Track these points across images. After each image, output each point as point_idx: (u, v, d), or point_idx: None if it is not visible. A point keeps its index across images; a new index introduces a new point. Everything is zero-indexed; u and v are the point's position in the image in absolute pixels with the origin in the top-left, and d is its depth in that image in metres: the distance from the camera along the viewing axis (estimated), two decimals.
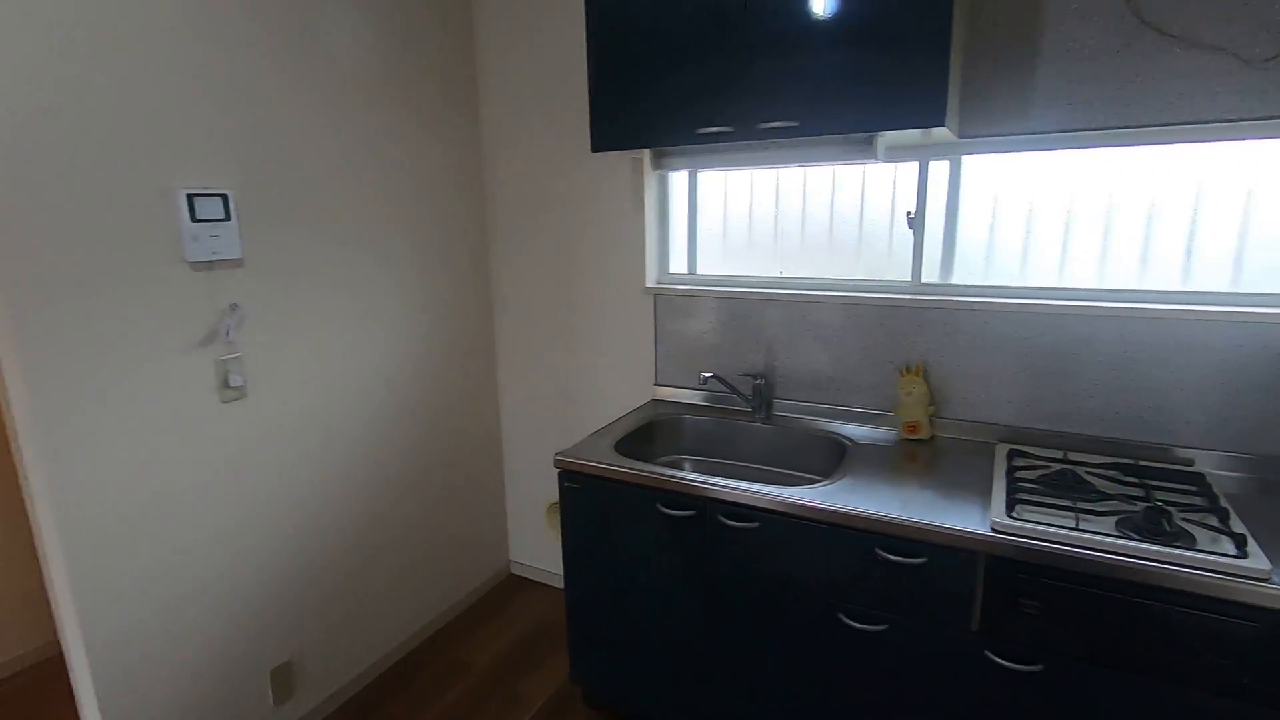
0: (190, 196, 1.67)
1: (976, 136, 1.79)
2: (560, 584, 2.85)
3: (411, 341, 2.37)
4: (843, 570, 1.58)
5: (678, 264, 2.38)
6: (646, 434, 2.17)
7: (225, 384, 1.80)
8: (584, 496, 1.91)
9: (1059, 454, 1.76)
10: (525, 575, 2.96)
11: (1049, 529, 1.37)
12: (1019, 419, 1.88)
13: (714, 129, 1.75)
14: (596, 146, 1.95)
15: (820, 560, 1.60)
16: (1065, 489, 1.54)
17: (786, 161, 1.78)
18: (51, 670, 2.43)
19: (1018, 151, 1.80)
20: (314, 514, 2.08)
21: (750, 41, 1.67)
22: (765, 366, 2.21)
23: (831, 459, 2.00)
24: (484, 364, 2.72)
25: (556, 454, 1.92)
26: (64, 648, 1.71)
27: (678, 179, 2.31)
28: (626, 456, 1.93)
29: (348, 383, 2.15)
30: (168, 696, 1.74)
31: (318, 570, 2.11)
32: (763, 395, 2.16)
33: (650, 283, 2.37)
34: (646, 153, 2.05)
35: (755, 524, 1.66)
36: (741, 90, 1.70)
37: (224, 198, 1.74)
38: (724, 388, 2.26)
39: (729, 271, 2.30)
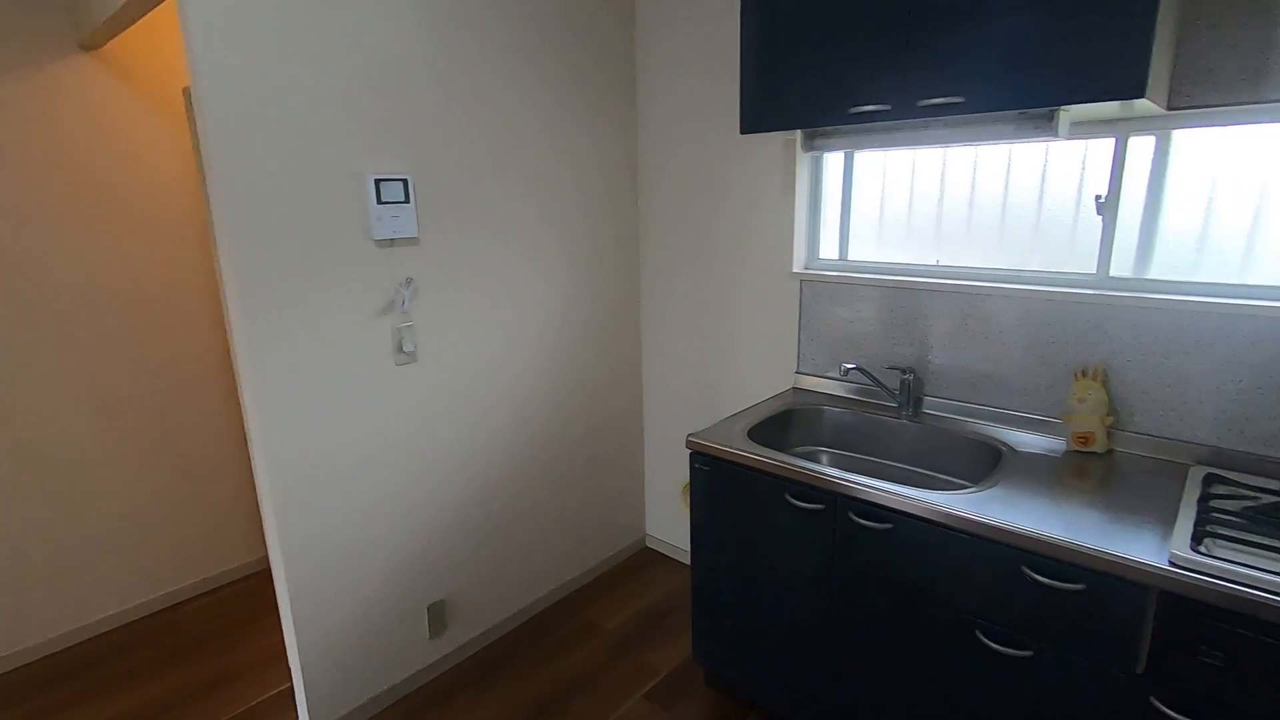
0: (377, 181, 1.88)
1: (1192, 108, 1.53)
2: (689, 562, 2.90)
3: (562, 318, 2.50)
4: (984, 586, 1.46)
5: (828, 249, 2.29)
6: (783, 422, 2.14)
7: (399, 349, 2.02)
8: (713, 479, 1.92)
9: (1274, 484, 1.49)
10: (659, 550, 3.04)
11: (1247, 571, 1.17)
12: (1223, 439, 1.61)
13: (869, 107, 1.65)
14: (746, 128, 1.92)
15: (959, 572, 1.49)
16: (1277, 527, 1.31)
17: (951, 141, 1.64)
18: (268, 576, 2.91)
19: (1248, 124, 1.52)
20: (472, 469, 2.29)
21: (910, 10, 1.55)
22: (916, 361, 2.07)
23: (983, 465, 1.84)
24: (629, 341, 2.80)
25: (689, 435, 1.95)
26: (271, 555, 2.03)
27: (832, 160, 2.22)
28: (759, 443, 1.92)
29: (503, 353, 2.32)
30: (343, 612, 2.01)
31: (473, 521, 2.32)
32: (911, 391, 2.03)
33: (798, 268, 2.30)
34: (798, 134, 1.98)
35: (889, 525, 1.58)
36: (900, 64, 1.59)
37: (404, 182, 1.94)
38: (868, 380, 2.15)
39: (883, 258, 2.18)
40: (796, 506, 1.74)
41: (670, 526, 2.98)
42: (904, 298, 2.06)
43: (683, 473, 2.86)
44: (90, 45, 2.30)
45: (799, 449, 2.16)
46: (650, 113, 2.59)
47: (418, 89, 1.96)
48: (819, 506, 1.70)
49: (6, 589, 2.35)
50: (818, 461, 2.09)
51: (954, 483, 1.90)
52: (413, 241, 2.01)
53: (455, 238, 2.12)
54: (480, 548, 2.37)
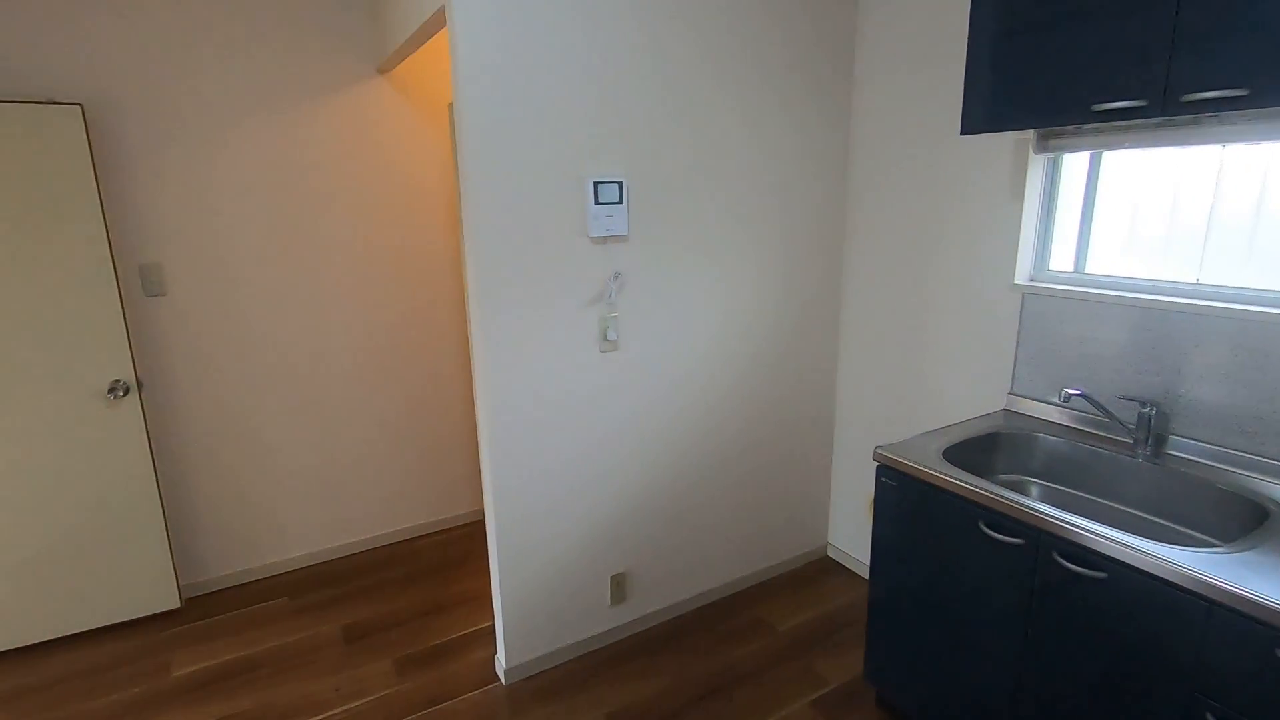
0: (596, 184, 2.07)
1: None
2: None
3: (760, 316, 2.54)
4: (1223, 663, 1.25)
5: (1060, 260, 2.06)
6: (987, 445, 1.98)
7: (604, 337, 2.21)
8: (900, 496, 1.84)
9: None
10: (840, 560, 2.96)
11: None
12: None
13: (1119, 104, 1.47)
14: (968, 128, 1.80)
15: (1191, 642, 1.29)
16: None
17: (1226, 139, 1.39)
18: (484, 526, 3.33)
19: None
20: (662, 454, 2.43)
21: None
22: (1163, 393, 1.80)
23: (1238, 522, 1.55)
24: (826, 344, 2.75)
25: (877, 447, 1.89)
26: (485, 514, 2.34)
27: (1074, 161, 1.98)
28: (955, 465, 1.80)
29: (700, 347, 2.42)
30: (539, 567, 2.26)
31: (659, 502, 2.46)
32: (1152, 427, 1.76)
33: (1021, 279, 2.10)
34: (1032, 133, 1.81)
35: (1103, 574, 1.41)
36: (1160, 52, 1.39)
37: (619, 184, 2.11)
38: (1096, 410, 1.90)
39: (1128, 273, 1.91)
40: (992, 538, 1.62)
41: (853, 538, 2.89)
42: (1154, 320, 1.80)
43: (871, 484, 2.75)
44: (384, 69, 2.79)
45: (1003, 476, 1.99)
46: (866, 110, 2.51)
47: (634, 95, 2.11)
48: (1017, 541, 1.56)
49: (294, 502, 2.97)
50: (1024, 493, 1.90)
51: (1195, 538, 1.63)
52: (623, 239, 2.18)
53: (661, 235, 2.25)
54: (663, 528, 2.51)
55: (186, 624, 2.64)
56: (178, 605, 2.69)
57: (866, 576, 2.83)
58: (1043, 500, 1.57)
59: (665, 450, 2.44)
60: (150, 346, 2.60)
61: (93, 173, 2.29)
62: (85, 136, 2.26)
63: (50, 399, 2.36)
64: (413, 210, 2.99)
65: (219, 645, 2.51)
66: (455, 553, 3.12)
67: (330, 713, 2.16)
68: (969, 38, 1.75)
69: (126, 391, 2.45)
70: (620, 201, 2.12)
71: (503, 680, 2.28)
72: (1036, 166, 2.01)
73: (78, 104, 2.25)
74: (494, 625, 2.55)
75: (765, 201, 2.45)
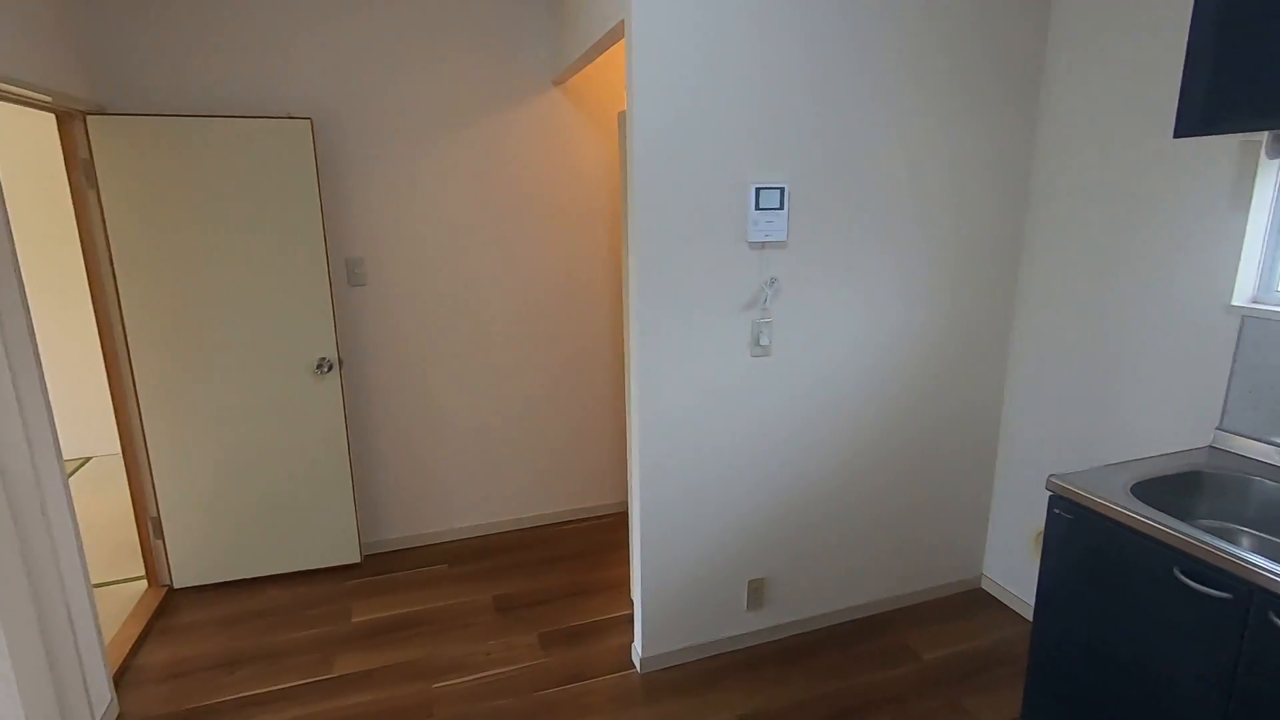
0: (758, 190, 2.08)
1: None
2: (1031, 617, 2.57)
3: (920, 329, 2.43)
4: None
5: None
6: (1187, 484, 1.76)
7: (756, 342, 2.22)
8: (1076, 531, 1.69)
9: None
10: (995, 594, 2.76)
11: None
12: None
13: None
14: (1184, 129, 1.61)
15: None
16: None
17: None
18: (625, 519, 3.46)
19: None
20: (808, 463, 2.39)
21: None
22: None
23: None
24: (993, 362, 2.58)
25: (1051, 476, 1.75)
26: (629, 505, 2.43)
27: None
28: (1146, 502, 1.63)
29: (853, 357, 2.36)
30: (679, 564, 2.31)
31: (802, 512, 2.43)
32: None
33: (1240, 300, 1.85)
34: (1264, 136, 1.59)
35: None
36: None
37: (781, 190, 2.11)
38: None
39: None
40: (1191, 588, 1.45)
41: (1013, 572, 2.67)
42: None
43: (1037, 518, 2.53)
44: (559, 81, 2.98)
45: (1206, 521, 1.76)
46: (1055, 114, 2.32)
47: (797, 104, 2.10)
48: (1224, 595, 1.39)
49: (458, 479, 3.25)
50: (1233, 542, 1.68)
51: None
52: (781, 245, 2.18)
53: (818, 243, 2.22)
54: (804, 539, 2.47)
55: (364, 577, 2.98)
56: (358, 560, 3.04)
57: (1025, 614, 2.62)
58: (1256, 553, 1.38)
59: (811, 460, 2.40)
60: (350, 330, 2.95)
61: (316, 177, 2.65)
62: (313, 146, 2.62)
63: (272, 371, 2.76)
64: (578, 213, 3.16)
65: (390, 599, 2.81)
66: (597, 541, 3.26)
67: (482, 674, 2.35)
68: (1191, 26, 1.58)
69: (330, 368, 2.81)
70: (781, 207, 2.12)
71: (638, 668, 2.35)
72: (1268, 173, 1.77)
73: (308, 118, 2.62)
74: (632, 615, 2.64)
75: (933, 209, 2.34)
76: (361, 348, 2.98)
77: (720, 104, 2.01)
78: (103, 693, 2.14)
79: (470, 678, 2.33)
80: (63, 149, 2.49)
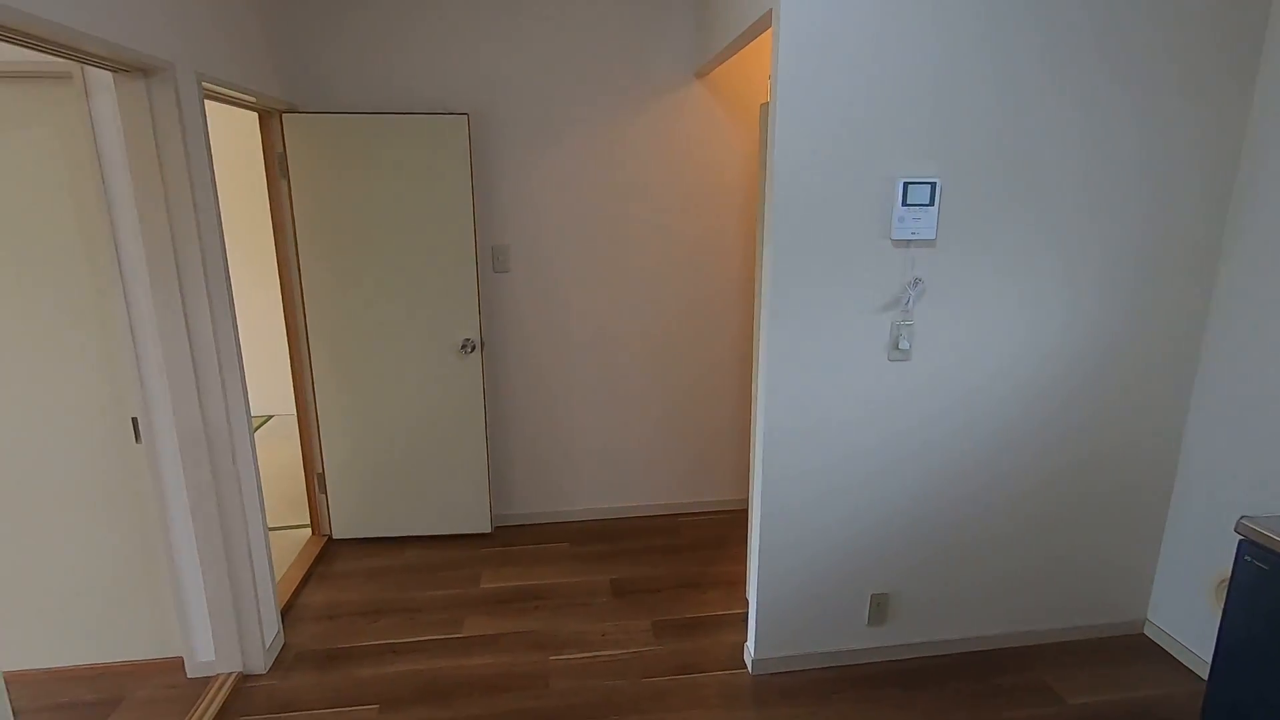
0: (906, 184, 1.97)
1: None
2: (1207, 675, 2.25)
3: (1089, 340, 2.19)
4: None
5: None
6: None
7: (895, 345, 2.10)
8: (1271, 582, 1.46)
9: None
10: (1160, 643, 2.44)
11: None
12: None
13: None
14: None
15: None
16: None
17: None
18: (744, 515, 3.42)
19: None
20: (944, 476, 2.24)
21: None
22: None
23: None
24: (1176, 383, 2.27)
25: (1243, 518, 1.52)
26: (750, 504, 2.40)
27: None
28: None
29: (1003, 366, 2.18)
30: (798, 569, 2.25)
31: (934, 528, 2.29)
32: None
33: None
34: None
35: None
36: None
37: (932, 185, 1.98)
38: None
39: None
40: None
41: (1185, 621, 2.36)
42: None
43: (1219, 562, 2.21)
44: (702, 73, 2.97)
45: None
46: (1276, 96, 1.99)
47: (958, 91, 1.94)
48: None
49: (582, 461, 3.36)
50: None
51: None
52: (929, 243, 2.04)
53: (973, 242, 2.06)
54: (936, 557, 2.32)
55: (493, 547, 3.16)
56: (488, 530, 3.24)
57: (1199, 671, 2.30)
58: None
59: (948, 474, 2.25)
60: (492, 313, 3.13)
61: (470, 169, 2.83)
62: (468, 141, 2.80)
63: (422, 349, 2.99)
64: (711, 207, 3.15)
65: (515, 570, 2.96)
66: (715, 535, 3.26)
67: (596, 653, 2.42)
68: None
69: (473, 349, 3.00)
70: (931, 204, 1.99)
71: (749, 669, 2.33)
72: None
73: (465, 114, 2.79)
74: (746, 614, 2.61)
75: (1107, 206, 2.09)
76: (502, 331, 3.16)
77: (869, 94, 1.91)
78: (272, 622, 2.43)
79: (585, 655, 2.41)
80: (262, 143, 2.83)
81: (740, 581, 2.86)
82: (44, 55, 1.76)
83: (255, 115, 2.81)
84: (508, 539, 3.24)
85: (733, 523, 3.38)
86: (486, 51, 2.87)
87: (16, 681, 2.24)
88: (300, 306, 2.96)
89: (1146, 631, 2.51)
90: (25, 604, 2.23)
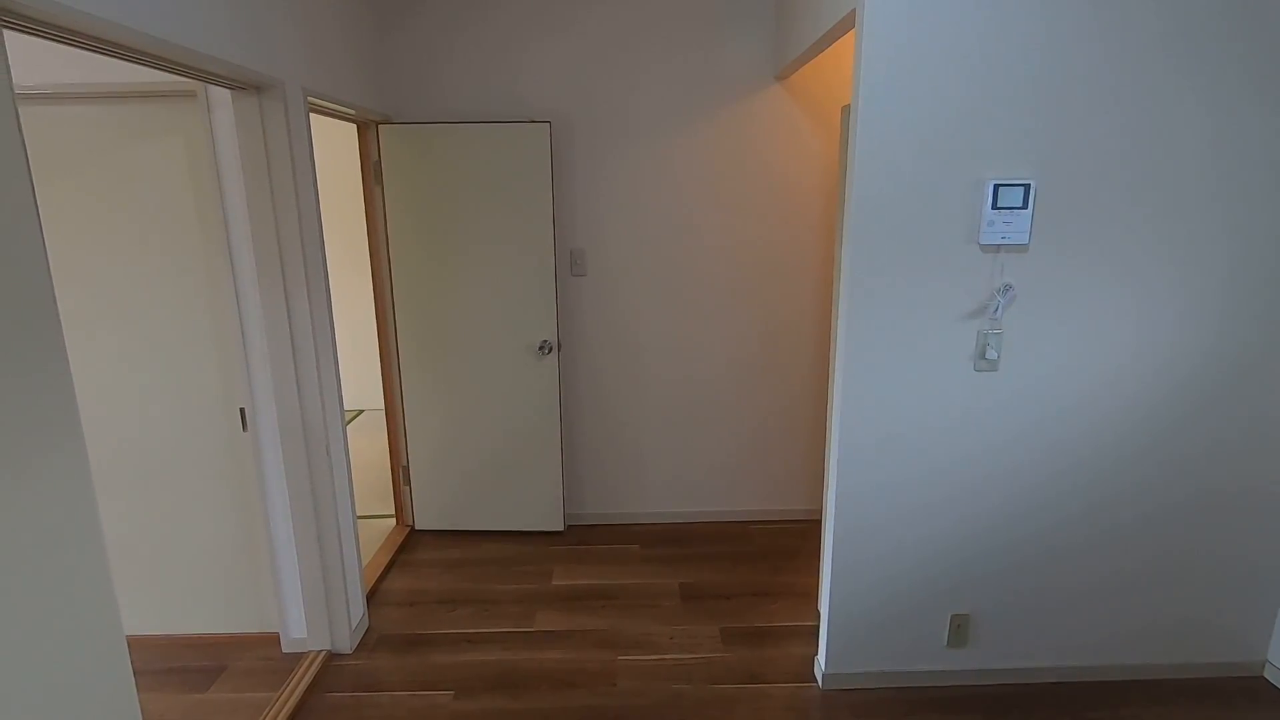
0: (996, 186, 1.88)
1: None
2: None
3: (1210, 354, 2.02)
4: None
5: None
6: None
7: (982, 355, 2.01)
8: None
9: None
10: None
11: None
12: None
13: None
14: None
15: None
16: None
17: None
18: (817, 527, 3.35)
19: None
20: (1035, 496, 2.13)
21: None
22: None
23: None
24: None
25: None
26: (824, 515, 2.35)
27: None
28: None
29: (1104, 378, 2.04)
30: (873, 584, 2.18)
31: (1021, 549, 2.17)
32: None
33: None
34: None
35: None
36: None
37: (1025, 188, 1.88)
38: None
39: None
40: None
41: None
42: None
43: None
44: (782, 76, 2.94)
45: None
46: None
47: (1060, 89, 1.84)
48: None
49: (654, 464, 3.37)
50: None
51: None
52: (1020, 249, 1.94)
53: (1070, 248, 1.94)
54: (1023, 580, 2.20)
55: (565, 545, 3.22)
56: (561, 529, 3.30)
57: None
58: None
59: (1039, 496, 2.12)
60: (569, 315, 3.20)
61: (551, 175, 2.90)
62: (549, 147, 2.88)
63: (502, 349, 3.09)
64: (791, 213, 3.10)
65: (586, 569, 3.01)
66: (786, 545, 3.20)
67: (664, 655, 2.43)
68: None
69: (550, 350, 3.08)
70: (1024, 206, 1.89)
71: (819, 683, 2.27)
72: None
73: (547, 121, 2.87)
74: (817, 627, 2.56)
75: (1232, 211, 1.93)
76: (578, 333, 3.22)
77: (957, 94, 1.84)
78: (358, 605, 2.57)
79: (653, 657, 2.42)
80: (360, 152, 3.01)
81: (812, 593, 2.80)
82: (175, 76, 1.94)
83: (355, 126, 2.99)
84: (580, 538, 3.29)
85: (806, 533, 3.31)
86: (567, 59, 2.94)
87: (136, 645, 2.46)
88: (391, 306, 3.12)
89: (1266, 675, 2.29)
90: (146, 575, 2.45)
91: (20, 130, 1.15)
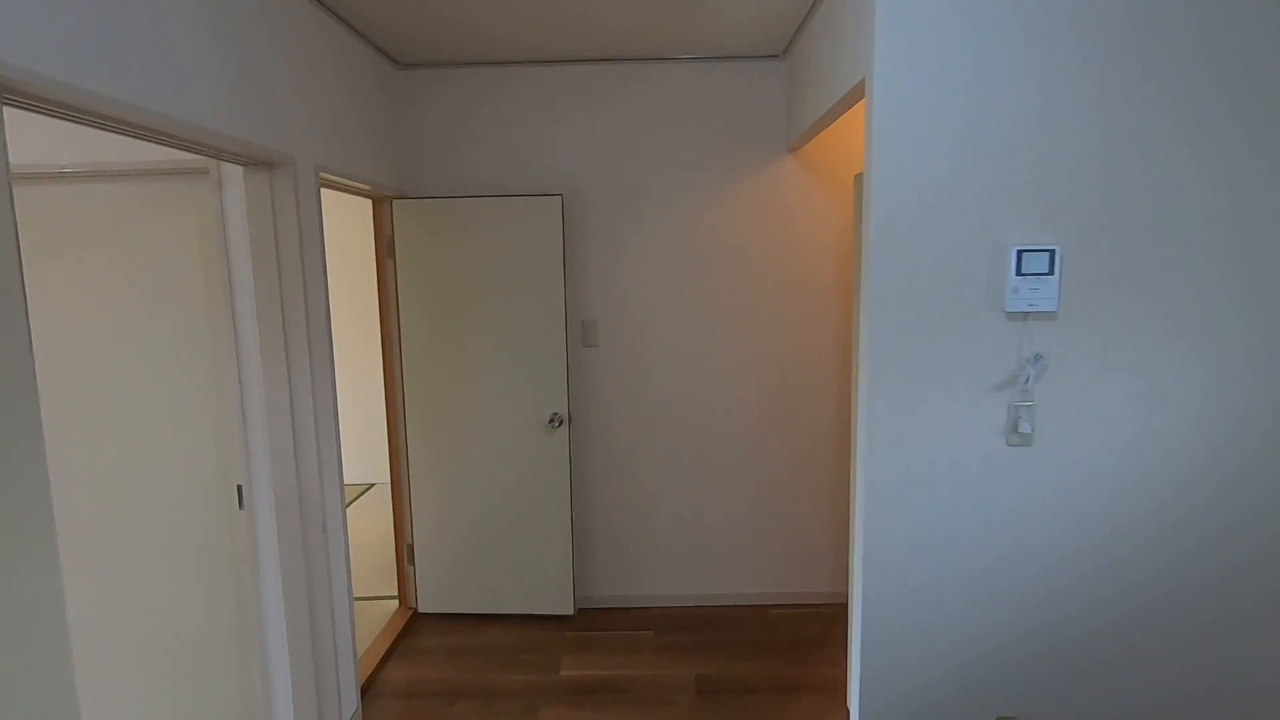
0: (1020, 252, 1.80)
1: None
2: None
3: (1255, 434, 1.88)
4: None
5: None
6: None
7: (1014, 429, 1.88)
8: None
9: None
10: None
11: None
12: None
13: None
14: None
15: None
16: None
17: None
18: (842, 612, 3.14)
19: None
20: (1079, 580, 1.95)
21: None
22: None
23: None
24: None
25: None
26: (850, 601, 2.17)
27: None
28: None
29: (1148, 450, 1.90)
30: (907, 680, 1.99)
31: (1069, 640, 1.97)
32: None
33: None
34: None
35: None
36: None
37: (1050, 253, 1.80)
38: None
39: None
40: None
41: None
42: None
43: None
44: (795, 147, 2.95)
45: None
46: None
47: (1066, 150, 1.79)
48: None
49: (668, 544, 3.21)
50: None
51: None
52: (1049, 316, 1.85)
53: (1101, 315, 1.84)
54: (1074, 676, 1.99)
55: (575, 631, 3.04)
56: (570, 612, 3.12)
57: None
58: None
59: (1085, 575, 1.95)
60: (579, 388, 3.13)
61: (563, 247, 2.89)
62: (561, 219, 2.88)
63: (511, 422, 3.01)
64: (805, 284, 3.05)
65: (596, 658, 2.82)
66: (809, 632, 2.98)
67: None
68: None
69: (561, 423, 2.99)
70: (1050, 272, 1.81)
71: None
72: None
73: (559, 194, 2.89)
74: None
75: (1273, 272, 1.83)
76: (588, 406, 3.14)
77: (972, 158, 1.79)
78: (351, 699, 2.40)
79: None
80: (374, 227, 3.03)
81: (839, 687, 2.58)
82: (186, 154, 1.96)
83: (369, 201, 3.02)
84: (590, 623, 3.11)
85: (831, 618, 3.10)
86: (578, 135, 2.98)
87: None
88: (399, 379, 3.07)
89: None
90: (125, 659, 2.32)
91: (15, 218, 1.12)
